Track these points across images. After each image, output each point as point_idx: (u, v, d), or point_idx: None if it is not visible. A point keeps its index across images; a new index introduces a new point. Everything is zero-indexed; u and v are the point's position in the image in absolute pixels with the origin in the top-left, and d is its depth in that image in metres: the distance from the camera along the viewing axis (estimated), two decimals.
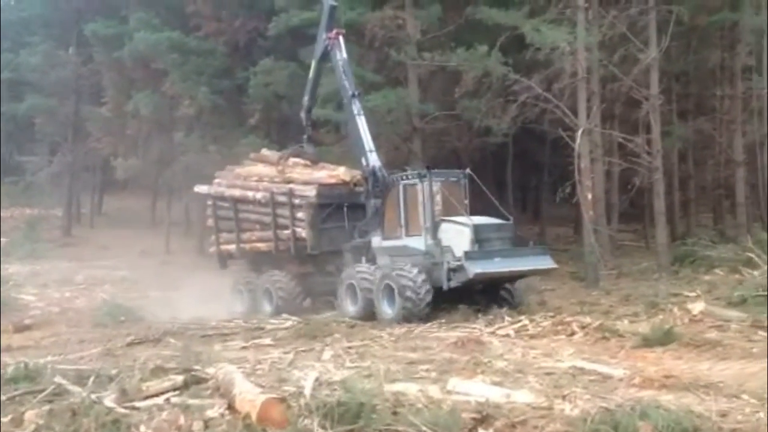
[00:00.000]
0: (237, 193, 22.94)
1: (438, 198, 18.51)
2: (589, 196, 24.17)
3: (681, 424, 7.43)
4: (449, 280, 17.52)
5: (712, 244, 24.71)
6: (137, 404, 8.83)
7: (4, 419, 8.29)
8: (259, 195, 22.23)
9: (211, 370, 10.23)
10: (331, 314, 19.36)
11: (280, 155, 23.31)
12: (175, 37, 34.98)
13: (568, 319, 15.77)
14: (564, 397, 9.00)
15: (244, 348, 15.03)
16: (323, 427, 7.74)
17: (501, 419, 8.03)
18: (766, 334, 13.39)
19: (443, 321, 16.92)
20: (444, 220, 18.23)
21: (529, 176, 41.29)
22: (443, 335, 15.20)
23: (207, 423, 8.22)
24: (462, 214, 18.21)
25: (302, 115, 23.23)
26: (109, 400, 8.77)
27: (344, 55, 21.23)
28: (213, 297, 21.52)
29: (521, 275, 18.35)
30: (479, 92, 26.40)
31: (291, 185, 21.57)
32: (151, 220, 42.14)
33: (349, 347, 14.17)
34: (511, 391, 9.43)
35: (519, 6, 25.24)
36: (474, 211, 18.62)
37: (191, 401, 8.95)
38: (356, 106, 20.52)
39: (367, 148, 20.05)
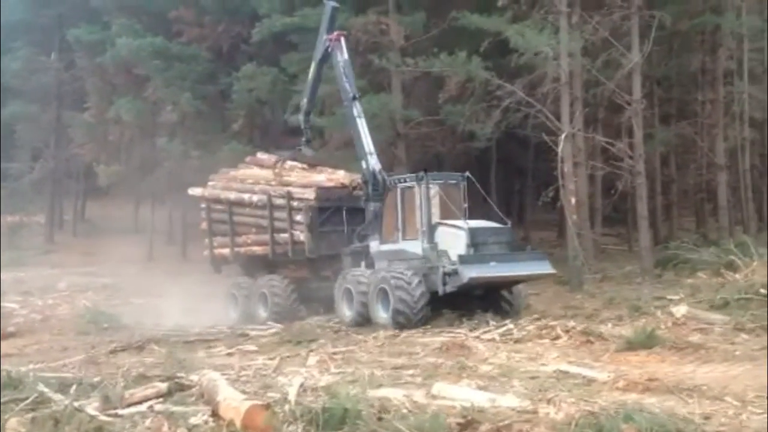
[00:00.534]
0: (232, 195, 22.51)
1: (436, 201, 18.27)
2: (573, 201, 24.20)
3: (665, 427, 7.47)
4: (445, 284, 17.13)
5: (695, 247, 24.72)
6: (120, 412, 8.82)
7: None
8: (255, 198, 21.85)
9: (194, 377, 10.20)
10: (317, 319, 19.31)
11: (278, 158, 22.98)
12: (157, 42, 34.77)
13: (553, 323, 15.78)
14: (549, 401, 9.02)
15: (228, 354, 15.01)
16: None
17: (486, 423, 8.02)
18: (757, 337, 13.49)
19: (428, 326, 16.86)
20: (440, 224, 17.96)
21: (513, 181, 41.31)
22: (428, 340, 15.18)
23: (191, 430, 8.22)
24: (460, 218, 18.02)
25: (300, 118, 22.69)
26: (91, 408, 8.75)
27: (345, 56, 20.83)
28: (197, 304, 21.43)
29: (518, 280, 17.94)
30: (463, 97, 26.42)
31: (289, 188, 21.18)
32: (134, 226, 41.92)
33: (334, 353, 14.17)
34: (496, 396, 9.44)
35: (502, 11, 25.25)
36: (473, 215, 18.51)
37: (175, 408, 8.93)
38: (357, 109, 20.21)
39: (367, 150, 19.69)
